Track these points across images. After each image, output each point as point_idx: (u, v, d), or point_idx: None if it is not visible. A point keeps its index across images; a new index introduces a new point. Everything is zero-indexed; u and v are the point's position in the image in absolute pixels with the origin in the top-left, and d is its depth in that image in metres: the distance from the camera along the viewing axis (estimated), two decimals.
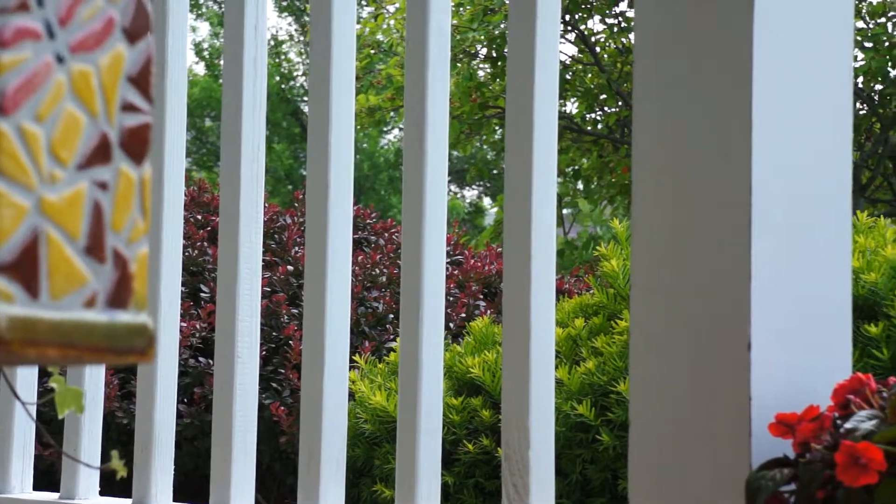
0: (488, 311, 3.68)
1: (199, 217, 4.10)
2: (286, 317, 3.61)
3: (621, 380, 1.83)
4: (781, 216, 1.29)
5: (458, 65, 9.53)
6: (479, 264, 4.05)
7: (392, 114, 10.44)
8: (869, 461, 1.05)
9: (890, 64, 9.01)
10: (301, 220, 4.07)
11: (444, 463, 1.91)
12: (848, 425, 1.13)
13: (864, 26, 9.31)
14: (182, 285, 1.99)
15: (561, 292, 3.92)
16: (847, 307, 1.34)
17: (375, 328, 3.60)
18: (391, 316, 3.62)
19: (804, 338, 1.31)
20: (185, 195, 3.93)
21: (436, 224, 1.70)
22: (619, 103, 10.31)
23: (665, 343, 1.35)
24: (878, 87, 9.85)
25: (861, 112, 10.20)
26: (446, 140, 1.72)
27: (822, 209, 1.33)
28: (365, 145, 17.64)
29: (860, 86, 9.78)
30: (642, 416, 1.36)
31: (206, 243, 3.90)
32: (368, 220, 4.35)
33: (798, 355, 1.30)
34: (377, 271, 3.81)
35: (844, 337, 1.34)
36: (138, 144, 0.81)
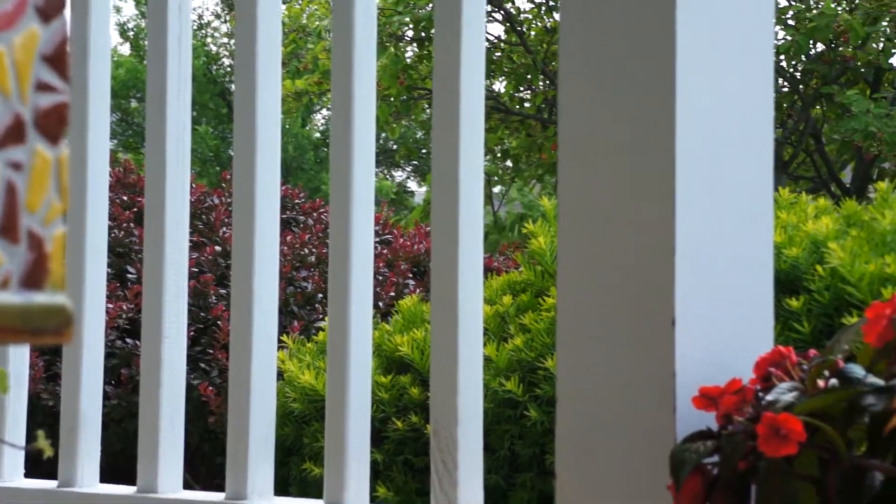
0: (417, 290, 3.69)
1: (125, 198, 4.06)
2: (214, 297, 3.60)
3: (549, 356, 1.85)
4: (705, 192, 1.31)
5: (386, 47, 9.50)
6: (409, 243, 4.05)
7: (319, 98, 10.40)
8: (789, 432, 1.07)
9: (811, 42, 9.13)
10: (229, 200, 4.05)
11: (373, 441, 1.91)
12: (769, 397, 1.15)
13: (787, 3, 9.42)
14: (108, 266, 1.98)
15: (490, 270, 3.93)
16: (769, 282, 1.36)
17: (304, 308, 3.60)
18: (320, 296, 3.62)
19: (727, 313, 1.33)
20: (111, 176, 3.89)
21: (363, 203, 1.70)
22: (547, 83, 10.36)
23: (591, 320, 1.36)
24: (800, 65, 9.98)
25: (783, 89, 10.32)
26: (373, 120, 1.72)
27: (745, 186, 1.35)
28: (287, 126, 17.55)
29: (783, 64, 9.89)
30: (569, 392, 1.38)
31: (132, 224, 3.87)
32: (297, 200, 4.34)
33: (721, 330, 1.32)
34: (306, 251, 3.80)
35: (766, 311, 1.36)
36: (54, 124, 0.80)
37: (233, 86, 1.85)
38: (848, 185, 9.77)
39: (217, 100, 17.53)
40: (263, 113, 1.79)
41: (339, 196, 1.70)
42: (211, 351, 3.42)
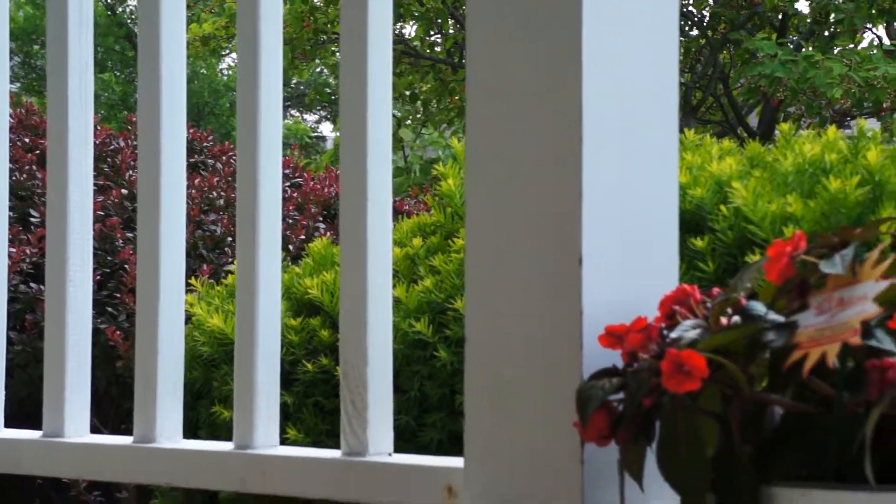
0: (328, 233, 3.68)
1: (27, 140, 3.98)
2: (121, 241, 3.55)
3: (458, 297, 1.86)
4: (611, 133, 1.32)
5: None
6: (319, 186, 4.03)
7: (228, 42, 10.27)
8: (692, 368, 1.09)
9: None
10: (135, 143, 3.99)
11: (283, 383, 1.91)
12: (673, 335, 1.17)
13: None
14: (10, 210, 1.94)
15: (400, 213, 3.93)
16: (674, 222, 1.38)
17: (213, 251, 3.57)
18: (229, 239, 3.60)
19: (634, 252, 1.34)
20: (12, 117, 3.81)
21: (270, 146, 1.68)
22: (457, 26, 10.32)
23: (499, 259, 1.37)
24: (708, 9, 10.05)
25: (692, 34, 10.39)
26: (280, 63, 1.70)
27: (650, 127, 1.36)
28: (203, 71, 17.33)
29: (691, 8, 9.96)
30: (477, 332, 1.39)
31: (34, 167, 3.80)
32: (205, 143, 4.29)
33: (628, 269, 1.33)
34: (214, 194, 3.77)
35: (671, 250, 1.38)
36: None
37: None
38: (755, 129, 9.90)
39: (123, 42, 17.23)
40: (168, 55, 1.76)
41: (245, 139, 1.68)
42: (118, 295, 3.38)
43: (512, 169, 1.36)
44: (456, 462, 1.46)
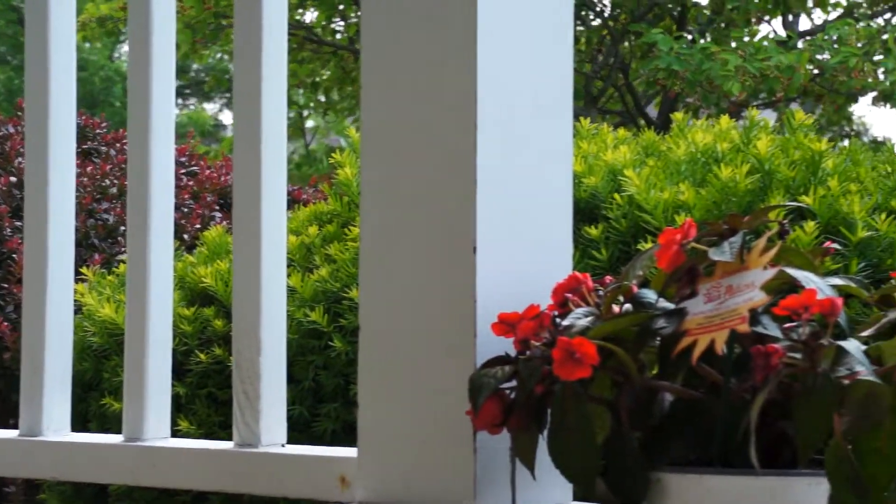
0: (224, 222, 3.64)
1: None
2: (9, 230, 3.48)
3: (354, 286, 1.84)
4: (505, 121, 1.32)
5: None
6: (215, 175, 3.99)
7: (125, 25, 10.13)
8: (583, 356, 1.09)
9: None
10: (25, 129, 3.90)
11: (175, 374, 1.88)
12: (565, 322, 1.17)
13: None
14: None
15: (298, 202, 3.90)
16: (568, 211, 1.38)
17: (105, 240, 3.51)
18: (122, 228, 3.54)
19: (527, 240, 1.34)
20: None
21: (163, 133, 1.66)
22: (360, 13, 10.27)
23: (393, 248, 1.36)
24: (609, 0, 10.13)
25: (593, 24, 10.47)
26: (173, 46, 1.67)
27: (544, 117, 1.36)
28: (94, 57, 17.05)
29: None
30: (371, 321, 1.38)
31: None
32: (98, 130, 4.21)
33: (521, 257, 1.33)
34: (107, 182, 3.70)
35: (565, 239, 1.38)
36: None
37: None
38: (655, 120, 10.01)
39: (16, 27, 16.90)
40: (57, 39, 1.72)
41: (137, 125, 1.65)
42: (6, 285, 3.31)
43: (406, 157, 1.35)
44: (349, 452, 1.45)
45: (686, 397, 1.16)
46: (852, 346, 1.02)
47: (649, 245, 1.54)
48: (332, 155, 2.24)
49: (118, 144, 4.13)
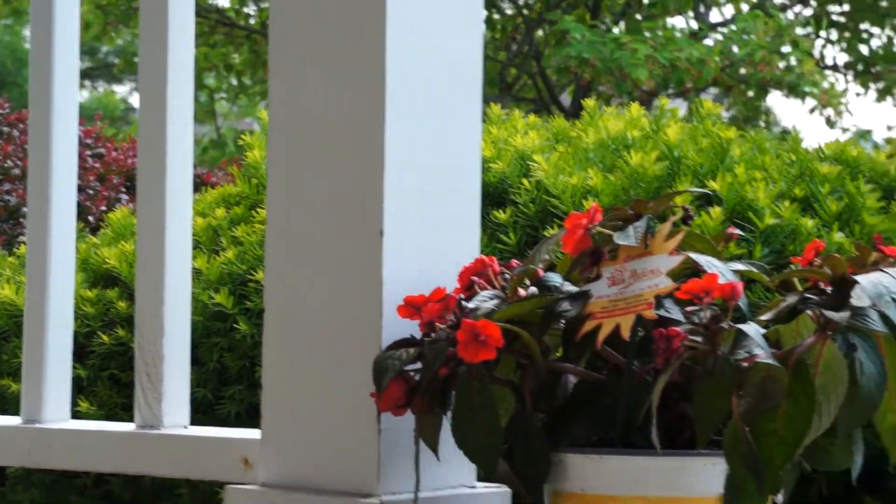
0: (130, 204, 3.60)
1: None
2: None
3: (260, 268, 1.83)
4: (414, 105, 1.31)
5: None
6: (122, 157, 3.94)
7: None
8: (488, 338, 1.09)
9: None
10: None
11: (77, 356, 1.85)
12: (471, 305, 1.17)
13: None
14: None
15: (207, 184, 3.87)
16: (476, 195, 1.38)
17: (8, 222, 3.45)
18: (25, 209, 3.48)
19: (435, 224, 1.34)
20: None
21: (65, 114, 1.63)
22: None
23: (299, 230, 1.35)
24: None
25: (508, 13, 10.50)
26: (77, 25, 1.65)
27: (453, 103, 1.36)
28: (8, 37, 16.74)
29: None
30: (277, 303, 1.37)
31: None
32: (1, 111, 4.13)
33: (429, 241, 1.33)
34: (10, 163, 3.64)
35: (473, 223, 1.38)
36: None
37: None
38: (568, 108, 10.07)
39: None
40: None
41: (38, 106, 1.62)
42: None
43: (313, 141, 1.34)
44: (253, 434, 1.44)
45: (589, 379, 1.16)
46: (752, 329, 1.03)
47: (557, 230, 1.55)
48: (241, 137, 2.22)
49: (22, 125, 4.05)
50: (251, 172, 2.15)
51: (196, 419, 1.73)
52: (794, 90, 9.36)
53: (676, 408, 1.09)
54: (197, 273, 1.91)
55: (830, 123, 10.47)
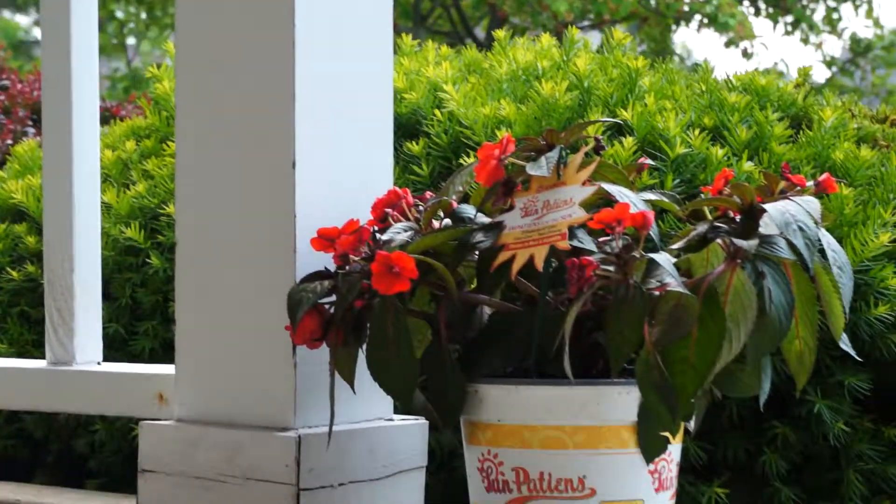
0: (37, 138, 3.53)
1: None
2: None
3: (171, 202, 1.81)
4: (324, 35, 1.30)
5: None
6: (27, 89, 3.85)
7: None
8: (402, 270, 1.09)
9: None
10: None
11: None
12: (385, 237, 1.17)
13: None
14: None
15: (117, 118, 3.80)
16: (388, 126, 1.38)
17: None
18: None
19: (348, 156, 1.33)
20: None
21: None
22: None
23: (210, 163, 1.34)
24: None
25: None
26: None
27: (363, 32, 1.34)
28: None
29: None
30: (188, 237, 1.36)
31: None
32: None
33: (342, 172, 1.32)
34: None
35: (386, 154, 1.37)
36: None
37: None
38: (483, 41, 10.03)
39: None
40: None
41: None
42: None
43: (222, 71, 1.32)
44: (168, 369, 1.43)
45: (504, 310, 1.17)
46: (663, 258, 1.04)
47: (470, 160, 1.55)
48: (149, 69, 2.18)
49: None
50: (161, 105, 2.12)
51: (109, 355, 1.71)
52: (713, 21, 9.41)
53: (590, 337, 1.11)
54: (107, 207, 1.89)
55: (747, 56, 10.55)
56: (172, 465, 1.31)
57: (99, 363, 1.56)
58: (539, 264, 1.08)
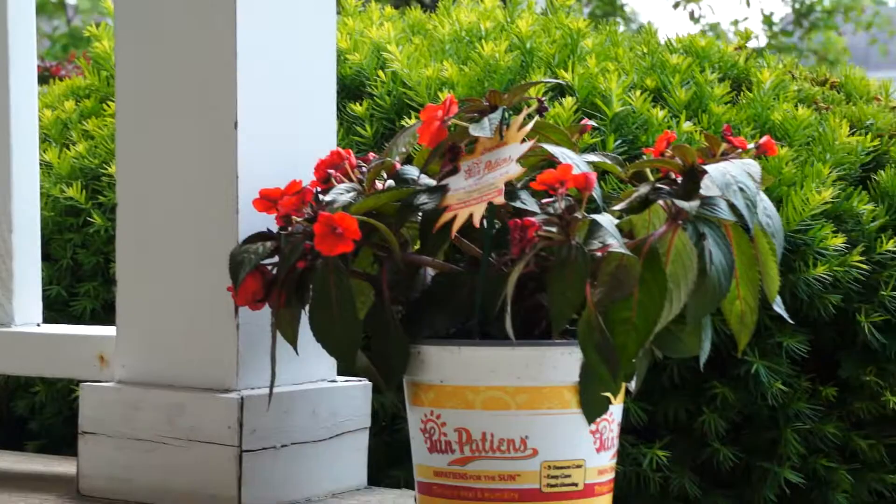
0: None
1: None
2: None
3: (113, 162, 1.79)
4: None
5: None
6: None
7: None
8: (345, 231, 1.09)
9: None
10: None
11: None
12: (327, 198, 1.17)
13: None
14: None
15: (57, 77, 3.75)
16: (331, 87, 1.37)
17: None
18: None
19: (291, 117, 1.33)
20: None
21: None
22: None
23: (151, 122, 1.33)
24: None
25: None
26: None
27: None
28: None
29: None
30: (130, 198, 1.35)
31: None
32: None
33: (285, 133, 1.32)
34: None
35: (329, 116, 1.37)
36: None
37: None
38: (427, 2, 9.98)
39: None
40: None
41: None
42: None
43: (162, 28, 1.31)
44: (109, 331, 1.43)
45: (447, 271, 1.17)
46: (605, 219, 1.04)
47: (414, 122, 1.54)
48: (89, 28, 2.15)
49: None
50: (101, 64, 2.09)
51: (50, 317, 1.70)
52: None
53: (533, 298, 1.11)
54: (47, 167, 1.87)
55: (694, 19, 10.58)
56: (113, 427, 1.31)
57: (39, 325, 1.55)
58: (476, 221, 1.08)
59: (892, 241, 1.53)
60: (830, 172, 1.56)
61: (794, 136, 1.63)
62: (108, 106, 1.95)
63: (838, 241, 1.49)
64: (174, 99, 1.30)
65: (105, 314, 1.76)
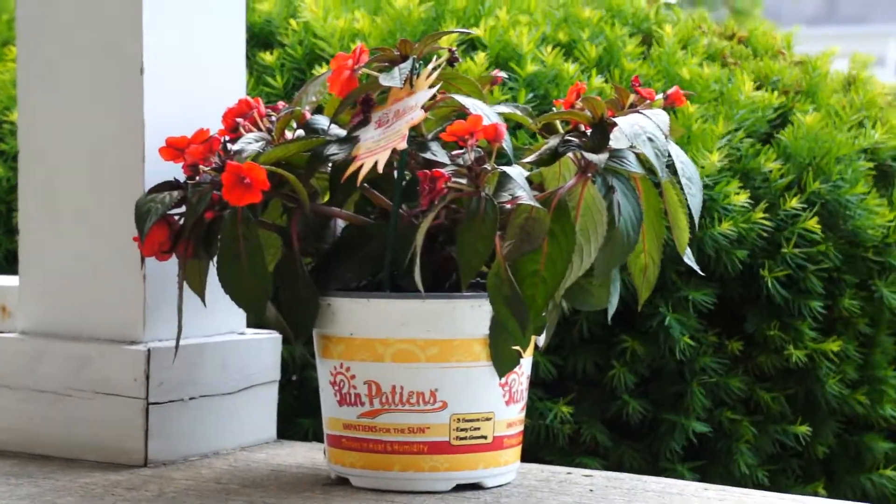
0: None
1: None
2: None
3: (14, 109, 1.75)
4: None
5: None
6: None
7: None
8: (253, 181, 1.08)
9: None
10: None
11: None
12: (236, 147, 1.15)
13: None
14: None
15: None
16: (240, 35, 1.35)
17: None
18: None
19: (199, 64, 1.31)
20: None
21: None
22: None
23: (55, 69, 1.30)
24: None
25: None
26: None
27: None
28: None
29: None
30: (31, 145, 1.32)
31: None
32: None
33: (193, 81, 1.30)
34: None
35: (238, 63, 1.35)
36: None
37: None
38: None
39: None
40: None
41: None
42: None
43: None
44: (12, 281, 1.40)
45: (357, 223, 1.16)
46: (515, 171, 1.04)
47: (325, 70, 1.53)
48: None
49: None
50: (2, 7, 2.04)
51: None
52: None
53: (444, 251, 1.11)
54: None
55: None
56: (16, 379, 1.29)
57: None
58: (380, 168, 1.07)
59: (795, 198, 1.55)
60: (736, 131, 1.57)
61: (701, 93, 1.63)
62: (10, 50, 1.91)
63: (742, 198, 1.51)
64: (78, 43, 1.28)
65: (8, 264, 1.73)
